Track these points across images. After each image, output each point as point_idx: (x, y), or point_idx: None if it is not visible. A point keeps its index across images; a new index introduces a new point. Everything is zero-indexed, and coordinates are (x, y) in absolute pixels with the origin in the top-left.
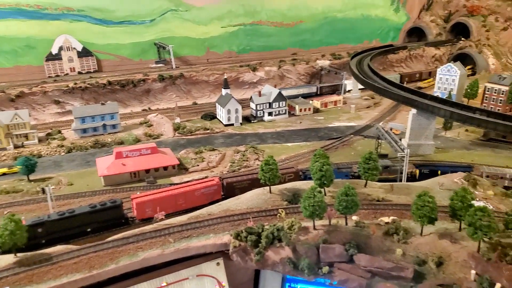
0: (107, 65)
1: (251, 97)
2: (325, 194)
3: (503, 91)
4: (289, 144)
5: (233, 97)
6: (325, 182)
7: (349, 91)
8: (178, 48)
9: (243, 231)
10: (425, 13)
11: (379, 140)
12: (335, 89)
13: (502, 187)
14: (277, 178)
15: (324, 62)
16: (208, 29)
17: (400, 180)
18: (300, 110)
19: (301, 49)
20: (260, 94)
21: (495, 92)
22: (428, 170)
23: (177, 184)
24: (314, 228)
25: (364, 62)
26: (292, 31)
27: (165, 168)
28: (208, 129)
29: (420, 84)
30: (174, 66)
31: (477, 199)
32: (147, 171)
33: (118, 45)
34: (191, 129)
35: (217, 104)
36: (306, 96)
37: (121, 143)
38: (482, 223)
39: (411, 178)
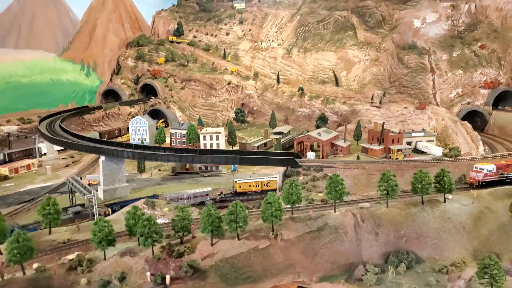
0: None
1: None
2: (1, 253)
3: (183, 134)
4: None
5: None
6: None
7: (45, 154)
8: None
9: None
10: (116, 77)
11: (72, 193)
12: (29, 153)
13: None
14: None
15: (11, 128)
16: None
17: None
18: None
19: None
20: None
21: (178, 136)
22: (119, 206)
23: None
24: None
25: (56, 124)
26: None
27: None
28: None
29: (119, 139)
30: None
31: (157, 217)
32: None
33: None
34: None
35: None
36: None
37: None
38: (150, 230)
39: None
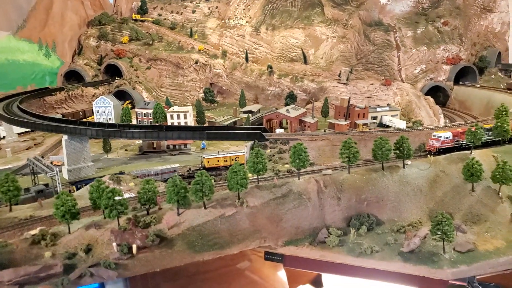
0: None
1: None
2: None
3: (150, 114)
4: None
5: None
6: None
7: (4, 137)
8: None
9: None
10: (78, 57)
11: (35, 173)
12: None
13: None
14: None
15: None
16: None
17: None
18: None
19: None
20: None
21: (144, 116)
22: (84, 183)
23: None
24: None
25: (14, 105)
26: None
27: None
28: None
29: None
30: None
31: (123, 192)
32: None
33: None
34: None
35: None
36: None
37: None
38: (114, 202)
39: None
